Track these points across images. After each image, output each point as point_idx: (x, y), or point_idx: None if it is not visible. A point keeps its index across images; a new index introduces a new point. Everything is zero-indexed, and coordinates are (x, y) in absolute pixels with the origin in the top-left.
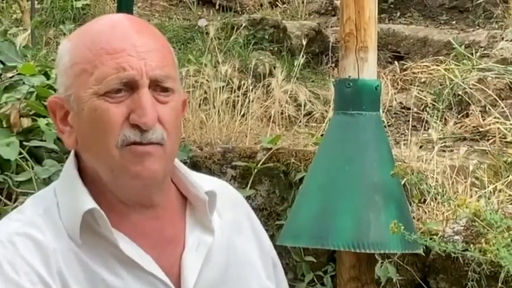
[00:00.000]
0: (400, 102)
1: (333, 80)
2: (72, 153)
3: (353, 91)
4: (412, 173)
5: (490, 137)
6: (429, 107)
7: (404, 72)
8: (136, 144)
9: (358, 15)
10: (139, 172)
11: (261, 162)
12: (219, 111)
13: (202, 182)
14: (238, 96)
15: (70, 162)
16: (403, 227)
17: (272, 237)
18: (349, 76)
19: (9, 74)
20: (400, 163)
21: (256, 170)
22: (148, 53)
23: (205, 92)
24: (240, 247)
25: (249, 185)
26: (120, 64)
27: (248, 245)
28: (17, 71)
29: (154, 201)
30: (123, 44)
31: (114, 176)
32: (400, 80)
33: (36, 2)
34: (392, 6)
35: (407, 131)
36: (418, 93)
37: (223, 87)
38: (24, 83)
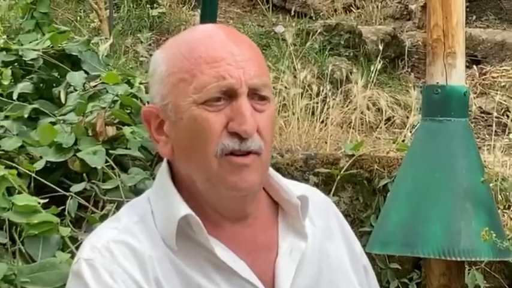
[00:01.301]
0: (480, 107)
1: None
2: (164, 161)
3: (441, 97)
4: (497, 179)
5: None
6: (510, 112)
7: (483, 77)
8: (235, 154)
9: (445, 21)
10: (236, 183)
11: (344, 169)
12: (298, 117)
13: (292, 187)
14: (317, 103)
15: (163, 170)
16: (494, 235)
17: None
18: (437, 82)
19: (93, 83)
20: (488, 169)
21: (339, 177)
22: (246, 61)
23: (284, 99)
24: (332, 253)
25: (332, 192)
26: (220, 73)
27: (339, 251)
28: (100, 79)
29: (247, 212)
30: (222, 53)
31: (211, 185)
32: (479, 84)
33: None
34: (468, 9)
35: (487, 136)
36: (500, 97)
37: (301, 93)
38: (108, 92)
